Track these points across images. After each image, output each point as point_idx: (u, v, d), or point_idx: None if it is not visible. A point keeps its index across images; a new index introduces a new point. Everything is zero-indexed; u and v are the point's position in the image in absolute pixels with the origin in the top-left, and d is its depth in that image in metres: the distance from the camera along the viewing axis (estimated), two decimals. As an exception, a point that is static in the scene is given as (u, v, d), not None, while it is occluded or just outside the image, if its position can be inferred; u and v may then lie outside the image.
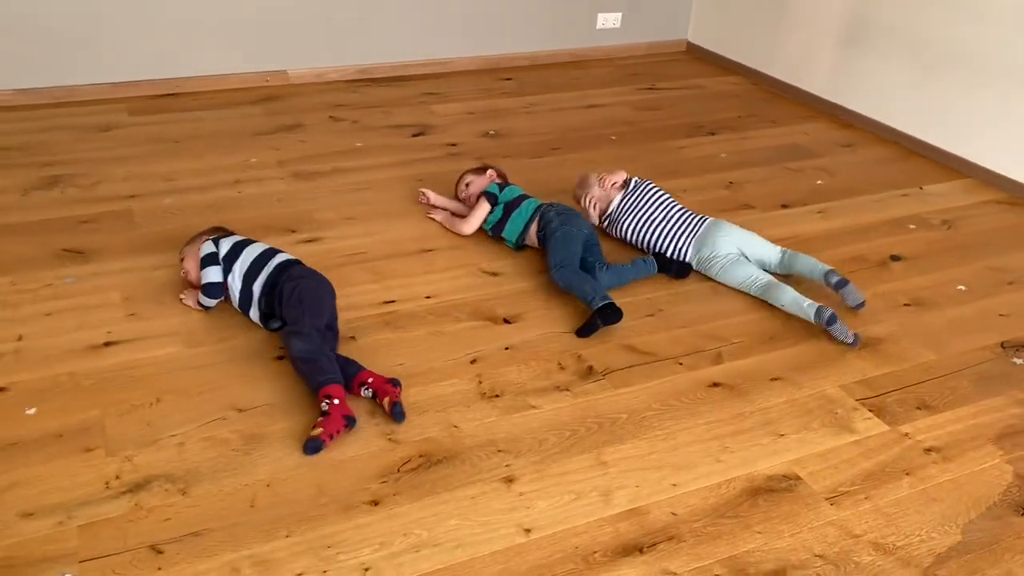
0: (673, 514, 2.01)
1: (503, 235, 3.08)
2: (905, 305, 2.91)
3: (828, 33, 4.57)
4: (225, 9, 4.31)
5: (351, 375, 2.30)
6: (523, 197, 3.11)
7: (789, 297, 2.75)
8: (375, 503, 1.99)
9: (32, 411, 2.21)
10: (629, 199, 3.14)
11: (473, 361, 2.50)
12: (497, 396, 2.37)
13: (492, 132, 4.18)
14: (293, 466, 2.08)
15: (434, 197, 3.34)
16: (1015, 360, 2.65)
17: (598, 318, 2.63)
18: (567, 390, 2.41)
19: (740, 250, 2.96)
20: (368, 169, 3.71)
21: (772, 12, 4.92)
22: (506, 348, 2.57)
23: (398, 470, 2.09)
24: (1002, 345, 2.73)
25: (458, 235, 3.16)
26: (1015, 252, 3.30)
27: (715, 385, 2.47)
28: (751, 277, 2.86)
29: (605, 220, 3.20)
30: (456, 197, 3.32)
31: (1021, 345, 2.73)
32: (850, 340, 2.64)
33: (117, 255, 2.94)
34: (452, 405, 2.32)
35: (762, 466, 2.17)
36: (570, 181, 3.42)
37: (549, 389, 2.41)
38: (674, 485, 2.09)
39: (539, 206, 3.06)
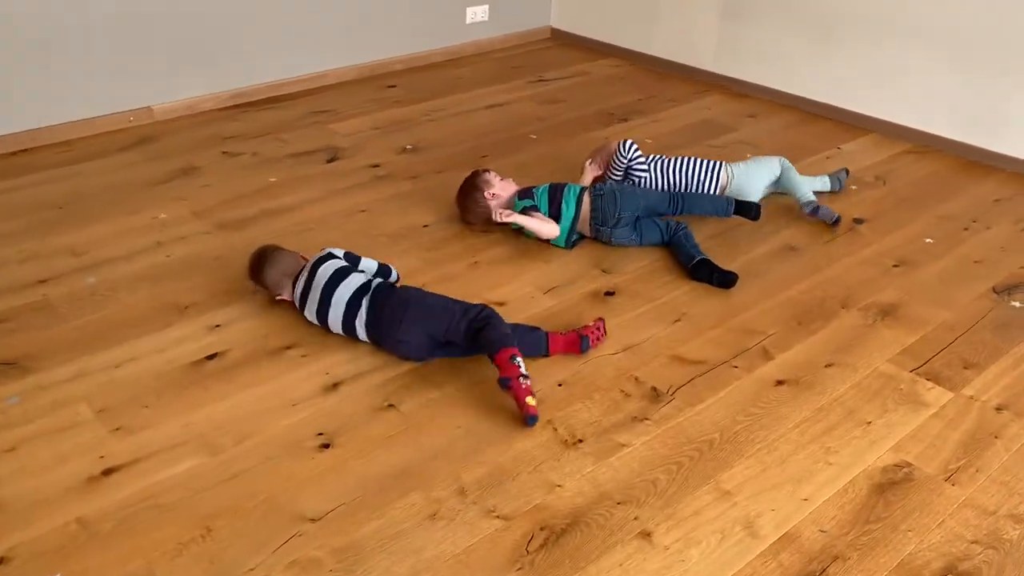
0: (822, 531, 1.92)
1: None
2: (895, 267, 2.99)
3: (708, 5, 4.63)
4: (70, 46, 3.70)
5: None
6: (557, 189, 3.04)
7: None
8: (526, 596, 1.75)
9: (57, 580, 1.77)
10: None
11: (535, 407, 2.28)
12: (580, 441, 2.17)
13: (409, 146, 3.89)
14: (409, 573, 1.79)
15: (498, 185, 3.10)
16: (1013, 304, 2.79)
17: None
18: (646, 419, 2.25)
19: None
20: (298, 207, 3.32)
21: (643, -10, 4.93)
22: (559, 384, 2.37)
23: (526, 551, 1.85)
24: (994, 290, 2.87)
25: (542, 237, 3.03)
26: (952, 199, 3.49)
27: (780, 383, 2.40)
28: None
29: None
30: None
31: (1010, 287, 2.88)
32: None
33: (59, 358, 2.42)
34: (541, 461, 2.10)
35: (871, 459, 2.13)
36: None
37: (627, 422, 2.24)
38: (805, 500, 2.01)
39: (582, 191, 3.04)
